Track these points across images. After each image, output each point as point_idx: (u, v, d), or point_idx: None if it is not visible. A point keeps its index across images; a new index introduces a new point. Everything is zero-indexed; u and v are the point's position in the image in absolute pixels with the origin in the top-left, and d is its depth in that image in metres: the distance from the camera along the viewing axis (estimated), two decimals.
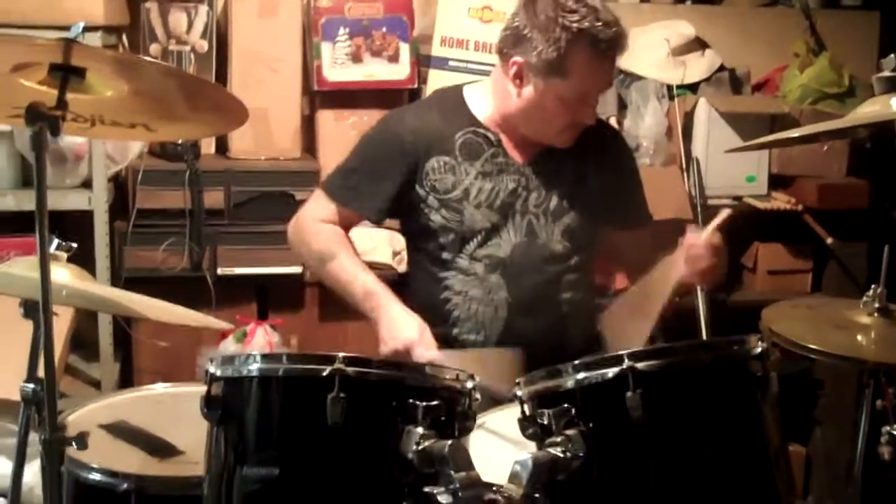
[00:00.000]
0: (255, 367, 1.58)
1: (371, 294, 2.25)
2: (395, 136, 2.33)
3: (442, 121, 2.33)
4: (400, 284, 2.57)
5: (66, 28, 1.68)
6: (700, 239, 2.16)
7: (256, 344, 3.20)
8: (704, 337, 3.29)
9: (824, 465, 3.50)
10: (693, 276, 2.19)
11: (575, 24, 2.14)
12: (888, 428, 1.77)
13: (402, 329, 2.17)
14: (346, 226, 2.40)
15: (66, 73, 1.59)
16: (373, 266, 3.01)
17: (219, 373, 1.59)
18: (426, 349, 2.14)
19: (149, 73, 1.71)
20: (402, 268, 3.22)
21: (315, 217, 2.39)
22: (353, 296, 2.29)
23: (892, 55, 1.81)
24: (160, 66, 2.06)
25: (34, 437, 1.77)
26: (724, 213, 2.21)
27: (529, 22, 2.19)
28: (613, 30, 2.16)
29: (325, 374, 1.51)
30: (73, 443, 1.63)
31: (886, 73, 1.80)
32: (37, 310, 1.69)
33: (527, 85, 2.23)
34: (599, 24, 2.15)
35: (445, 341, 2.31)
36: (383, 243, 3.32)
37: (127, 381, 3.33)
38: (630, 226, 2.44)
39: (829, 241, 3.68)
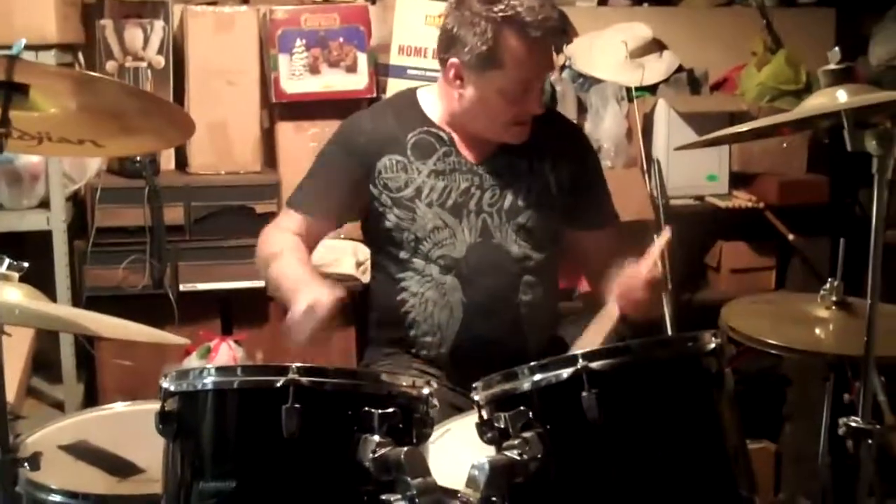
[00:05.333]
0: (209, 381, 1.57)
1: (295, 281, 2.11)
2: (347, 139, 2.36)
3: (396, 121, 2.33)
4: (365, 295, 2.56)
5: None
6: (639, 272, 2.15)
7: (221, 359, 3.18)
8: None
9: (794, 460, 3.52)
10: (626, 307, 2.17)
11: (500, 14, 2.14)
12: (845, 419, 1.77)
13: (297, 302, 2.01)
14: (312, 235, 2.35)
15: (9, 91, 1.59)
16: (336, 278, 3.02)
17: (173, 388, 1.59)
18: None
19: (93, 87, 1.70)
20: (365, 278, 3.21)
21: (275, 228, 2.35)
22: (286, 290, 2.13)
23: (836, 48, 1.81)
24: (102, 79, 2.05)
25: None
26: (662, 240, 2.20)
27: (457, 21, 2.20)
28: (541, 14, 2.15)
29: (279, 384, 1.51)
30: (26, 463, 1.61)
31: (832, 66, 1.81)
32: None
33: (467, 85, 2.23)
34: (523, 9, 2.14)
35: (403, 344, 2.31)
36: (346, 255, 3.31)
37: (91, 401, 3.30)
38: (591, 226, 2.39)
39: (791, 237, 3.69)
